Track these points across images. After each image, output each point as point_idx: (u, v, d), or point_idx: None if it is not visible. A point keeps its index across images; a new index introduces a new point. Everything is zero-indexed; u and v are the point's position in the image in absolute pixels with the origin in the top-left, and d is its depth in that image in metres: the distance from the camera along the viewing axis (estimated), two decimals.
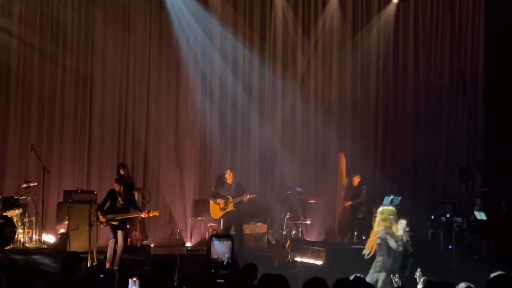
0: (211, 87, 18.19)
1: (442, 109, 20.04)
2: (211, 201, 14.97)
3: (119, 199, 13.41)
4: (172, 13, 17.74)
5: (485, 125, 20.09)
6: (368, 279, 9.91)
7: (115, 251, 13.36)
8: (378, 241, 10.40)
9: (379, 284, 10.02)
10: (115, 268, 11.86)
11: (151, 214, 13.91)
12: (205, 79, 18.15)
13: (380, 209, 10.71)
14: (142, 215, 13.75)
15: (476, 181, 19.70)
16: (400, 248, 10.27)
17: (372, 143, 19.38)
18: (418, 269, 9.30)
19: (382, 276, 10.17)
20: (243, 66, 18.53)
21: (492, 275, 5.58)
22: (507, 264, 14.77)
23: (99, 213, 13.26)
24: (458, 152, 20.12)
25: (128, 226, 14.06)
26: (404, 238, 10.25)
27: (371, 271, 10.38)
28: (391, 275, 10.17)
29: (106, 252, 13.39)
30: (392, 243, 10.27)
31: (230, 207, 14.56)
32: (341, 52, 19.24)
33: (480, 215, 17.17)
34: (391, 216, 10.47)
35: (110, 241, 13.38)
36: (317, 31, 19.14)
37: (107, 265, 13.17)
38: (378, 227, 10.52)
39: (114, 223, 13.26)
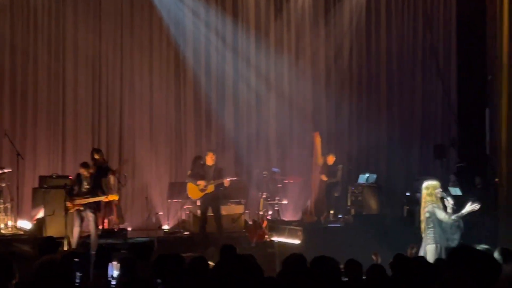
0: (185, 69, 18.14)
1: (416, 87, 20.10)
2: (190, 182, 14.88)
3: (85, 183, 13.38)
4: None
5: (458, 101, 20.20)
6: (421, 252, 10.22)
7: (81, 237, 13.34)
8: (427, 215, 10.82)
9: (428, 255, 10.25)
10: (93, 252, 11.81)
11: (110, 198, 13.89)
12: (179, 62, 18.08)
13: (425, 184, 11.10)
14: (103, 199, 13.66)
15: (450, 158, 19.84)
16: (451, 220, 10.53)
17: (347, 122, 19.42)
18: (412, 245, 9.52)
19: (431, 248, 10.54)
20: (216, 47, 18.45)
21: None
22: (483, 238, 14.91)
23: (66, 199, 13.23)
24: (433, 129, 20.24)
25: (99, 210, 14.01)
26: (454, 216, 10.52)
27: (422, 244, 10.83)
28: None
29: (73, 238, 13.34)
30: (442, 215, 10.53)
31: (210, 188, 14.49)
32: (313, 30, 19.22)
33: (455, 191, 17.30)
34: (437, 190, 10.74)
35: (74, 228, 13.32)
36: (289, 9, 19.09)
37: None
38: (425, 203, 10.92)
39: (80, 208, 13.23)
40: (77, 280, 7.05)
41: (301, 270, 5.86)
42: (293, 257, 6.00)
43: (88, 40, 17.26)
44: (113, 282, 7.85)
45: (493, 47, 16.05)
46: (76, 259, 7.03)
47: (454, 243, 10.69)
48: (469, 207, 10.68)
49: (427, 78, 20.21)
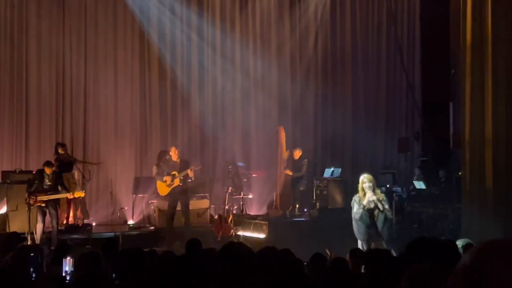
0: (150, 62, 18.07)
1: (380, 80, 20.27)
2: (157, 180, 14.79)
3: (46, 180, 13.29)
4: None
5: (422, 95, 20.38)
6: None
7: (44, 232, 13.26)
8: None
9: None
10: (52, 248, 11.71)
11: (76, 195, 13.82)
12: (144, 55, 18.01)
13: (361, 177, 10.98)
14: (68, 196, 13.57)
15: (414, 151, 20.01)
16: (358, 215, 10.50)
17: (312, 116, 19.50)
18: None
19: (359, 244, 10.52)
20: (181, 40, 18.40)
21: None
22: (446, 231, 15.07)
23: (26, 195, 13.13)
24: (397, 122, 20.41)
25: (58, 206, 13.92)
26: (380, 206, 10.49)
27: None
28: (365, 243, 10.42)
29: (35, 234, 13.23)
30: (355, 207, 10.56)
31: (176, 182, 14.42)
32: (279, 25, 19.27)
33: (419, 184, 17.48)
34: (365, 184, 10.71)
35: (37, 224, 13.22)
36: (254, 4, 19.11)
37: None
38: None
39: (41, 204, 13.14)
40: (33, 275, 6.98)
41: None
42: (266, 250, 5.97)
43: (51, 33, 17.09)
44: (68, 277, 7.78)
45: (456, 41, 16.21)
46: (31, 254, 6.95)
47: (382, 238, 10.66)
48: (367, 198, 10.71)
49: (392, 71, 20.39)
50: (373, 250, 6.08)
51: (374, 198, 10.71)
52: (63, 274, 7.59)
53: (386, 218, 10.72)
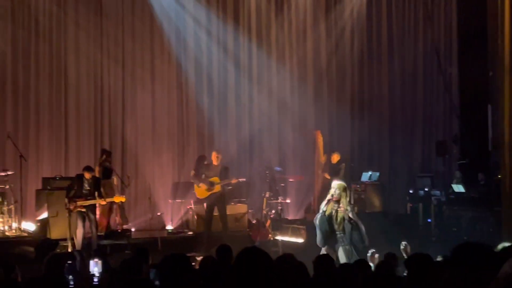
0: (187, 68, 18.15)
1: (417, 83, 20.14)
2: (195, 184, 14.84)
3: (86, 185, 13.39)
4: None
5: (460, 98, 20.20)
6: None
7: (85, 238, 13.39)
8: None
9: None
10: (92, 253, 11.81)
11: (116, 200, 13.96)
12: (181, 60, 18.09)
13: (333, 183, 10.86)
14: (101, 202, 13.64)
15: (452, 154, 19.84)
16: (317, 220, 10.40)
17: (349, 120, 19.43)
18: (403, 242, 9.36)
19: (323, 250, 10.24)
20: (218, 47, 18.48)
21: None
22: (485, 235, 14.93)
23: (66, 200, 13.26)
24: (435, 125, 20.27)
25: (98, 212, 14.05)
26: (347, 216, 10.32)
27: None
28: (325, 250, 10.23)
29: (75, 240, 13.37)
30: (316, 217, 10.48)
31: (217, 188, 14.47)
32: (315, 30, 19.26)
33: (458, 188, 17.33)
34: (332, 190, 10.55)
35: (78, 230, 13.35)
36: (290, 10, 19.12)
37: None
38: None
39: (81, 209, 13.26)
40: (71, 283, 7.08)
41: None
42: (284, 258, 5.96)
43: (89, 40, 17.25)
44: (95, 279, 7.87)
45: (494, 43, 16.05)
46: (68, 261, 7.04)
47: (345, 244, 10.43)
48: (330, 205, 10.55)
49: (429, 74, 20.24)
50: (415, 255, 6.04)
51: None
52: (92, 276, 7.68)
53: (353, 229, 10.50)
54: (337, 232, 10.30)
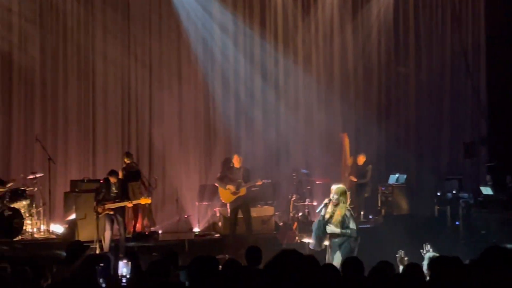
0: (214, 71, 18.20)
1: (445, 85, 20.00)
2: (219, 186, 14.87)
3: (113, 188, 13.46)
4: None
5: (488, 99, 20.04)
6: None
7: (113, 240, 13.46)
8: None
9: None
10: (120, 255, 11.88)
11: (142, 202, 14.01)
12: (208, 64, 18.14)
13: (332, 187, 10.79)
14: (128, 204, 13.69)
15: (480, 156, 19.68)
16: (315, 227, 10.33)
17: (376, 122, 19.34)
18: (426, 244, 9.27)
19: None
20: (244, 51, 18.53)
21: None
22: None
23: (95, 203, 13.33)
24: (462, 127, 20.10)
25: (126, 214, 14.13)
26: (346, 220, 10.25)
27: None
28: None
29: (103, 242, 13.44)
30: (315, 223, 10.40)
31: (242, 191, 14.48)
32: (342, 31, 19.22)
33: (486, 190, 17.18)
34: (331, 194, 10.47)
35: (105, 232, 13.42)
36: (316, 13, 19.10)
37: None
38: None
39: (110, 212, 13.33)
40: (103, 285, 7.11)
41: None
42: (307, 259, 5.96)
43: (117, 45, 17.38)
44: (124, 280, 7.90)
45: None
46: (100, 263, 7.07)
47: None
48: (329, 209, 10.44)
49: (456, 76, 20.09)
50: (442, 257, 6.00)
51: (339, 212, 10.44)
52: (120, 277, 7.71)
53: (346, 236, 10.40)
54: (331, 237, 10.28)
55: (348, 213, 10.33)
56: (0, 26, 16.35)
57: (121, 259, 8.20)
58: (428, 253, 8.11)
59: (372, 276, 6.16)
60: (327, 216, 10.26)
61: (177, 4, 17.72)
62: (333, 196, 10.31)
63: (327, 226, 10.21)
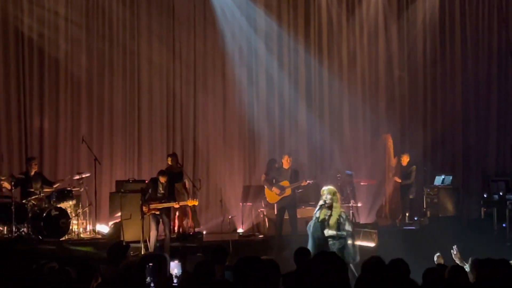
0: (257, 72, 18.23)
1: (492, 86, 19.75)
2: (266, 187, 14.87)
3: (160, 188, 13.52)
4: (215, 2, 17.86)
5: None
6: None
7: (158, 241, 13.55)
8: None
9: None
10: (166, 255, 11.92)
11: (189, 203, 14.04)
12: (251, 66, 18.19)
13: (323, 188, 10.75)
14: (175, 206, 13.73)
15: None
16: (310, 227, 10.24)
17: (421, 123, 19.21)
18: (454, 247, 9.19)
19: None
20: (288, 51, 18.54)
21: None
22: None
23: (142, 204, 13.42)
24: (509, 128, 19.82)
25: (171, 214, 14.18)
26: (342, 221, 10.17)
27: None
28: None
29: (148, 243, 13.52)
30: (309, 224, 10.31)
31: (288, 192, 14.46)
32: (387, 33, 19.12)
33: None
34: (323, 196, 10.40)
35: (151, 232, 13.50)
36: (361, 14, 19.02)
37: None
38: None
39: (156, 212, 13.40)
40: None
41: (380, 273, 5.84)
42: (372, 261, 5.96)
43: (162, 46, 17.51)
44: (175, 280, 7.93)
45: None
46: (150, 264, 7.09)
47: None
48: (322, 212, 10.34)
49: (503, 74, 19.82)
50: (489, 260, 5.94)
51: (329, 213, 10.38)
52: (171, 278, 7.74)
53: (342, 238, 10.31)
54: (329, 239, 10.20)
55: (343, 215, 10.31)
56: (47, 29, 16.54)
57: (172, 259, 8.22)
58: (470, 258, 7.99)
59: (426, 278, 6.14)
60: (321, 217, 10.25)
61: (217, 6, 17.82)
62: (326, 197, 10.29)
63: (324, 230, 10.19)
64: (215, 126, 17.86)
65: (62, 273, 6.84)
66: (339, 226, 10.14)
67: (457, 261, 8.41)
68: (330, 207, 10.23)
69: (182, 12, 17.72)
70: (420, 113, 19.26)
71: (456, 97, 19.51)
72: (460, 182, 18.51)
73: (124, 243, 8.99)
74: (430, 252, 10.15)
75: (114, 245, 8.17)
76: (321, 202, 10.34)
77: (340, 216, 10.21)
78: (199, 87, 17.81)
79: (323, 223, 10.20)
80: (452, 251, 8.81)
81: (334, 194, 10.34)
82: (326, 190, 10.41)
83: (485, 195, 17.54)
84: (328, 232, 10.10)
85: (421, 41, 19.33)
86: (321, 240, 10.16)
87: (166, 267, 7.21)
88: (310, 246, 10.09)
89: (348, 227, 10.20)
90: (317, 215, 10.29)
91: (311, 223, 10.35)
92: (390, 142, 16.18)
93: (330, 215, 10.20)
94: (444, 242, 12.63)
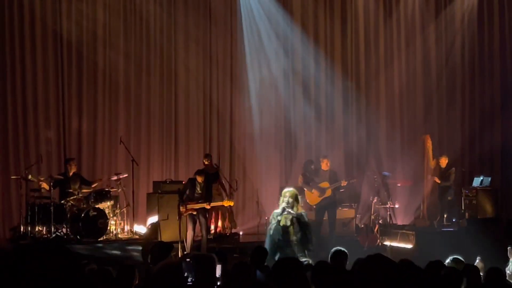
0: (294, 74, 18.23)
1: None
2: (305, 189, 14.84)
3: (198, 188, 13.57)
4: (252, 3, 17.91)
5: None
6: None
7: (195, 241, 13.59)
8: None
9: None
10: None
11: (226, 204, 14.04)
12: (288, 67, 18.18)
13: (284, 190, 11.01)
14: (207, 206, 13.72)
15: None
16: (271, 231, 10.26)
17: (459, 124, 19.05)
18: (478, 258, 9.15)
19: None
20: (325, 51, 18.51)
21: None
22: None
23: (179, 203, 13.47)
24: None
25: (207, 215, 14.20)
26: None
27: None
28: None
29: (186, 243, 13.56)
30: (271, 223, 10.30)
31: (328, 193, 14.45)
32: (424, 33, 19.00)
33: None
34: (282, 198, 10.42)
35: (188, 232, 13.55)
36: (398, 13, 18.92)
37: None
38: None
39: (193, 212, 13.44)
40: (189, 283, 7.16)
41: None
42: (404, 264, 5.92)
43: (198, 49, 17.60)
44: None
45: None
46: (188, 259, 7.14)
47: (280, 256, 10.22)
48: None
49: None
50: None
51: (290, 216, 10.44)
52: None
53: (302, 238, 10.34)
54: (291, 240, 10.26)
55: (304, 213, 10.62)
56: (86, 32, 16.67)
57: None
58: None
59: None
60: (283, 222, 10.34)
61: (255, 10, 17.89)
62: (288, 200, 10.43)
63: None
64: (252, 127, 17.87)
65: (104, 273, 6.91)
66: (295, 230, 10.34)
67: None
68: (291, 209, 10.54)
69: (219, 14, 17.78)
70: (458, 114, 19.09)
71: (494, 97, 19.31)
72: (499, 183, 18.30)
73: (167, 244, 9.03)
74: (468, 254, 10.07)
75: (157, 245, 8.22)
76: (283, 205, 10.48)
77: (295, 219, 10.64)
78: (235, 88, 17.85)
79: (285, 227, 10.35)
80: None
81: (295, 197, 10.48)
82: (288, 192, 10.57)
83: None
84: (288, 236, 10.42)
85: (459, 41, 19.17)
86: (281, 242, 10.45)
87: (214, 268, 7.21)
88: (268, 248, 10.24)
89: (306, 220, 10.73)
90: (279, 218, 10.42)
91: (272, 226, 10.47)
92: (429, 143, 16.03)
93: (292, 219, 10.43)
94: (483, 244, 12.55)
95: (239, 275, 6.40)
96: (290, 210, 10.67)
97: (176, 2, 17.48)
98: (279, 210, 10.74)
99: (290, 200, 10.51)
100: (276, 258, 10.00)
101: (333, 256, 7.76)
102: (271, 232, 10.55)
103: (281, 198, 10.89)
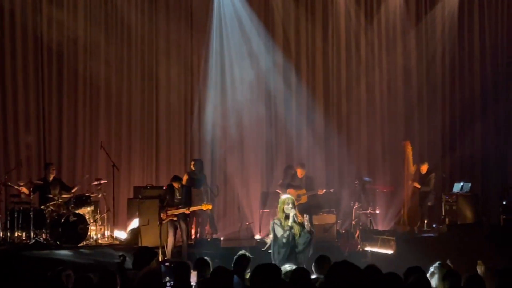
0: (275, 80, 18.22)
1: (510, 93, 19.61)
2: (281, 193, 14.81)
3: (177, 194, 13.55)
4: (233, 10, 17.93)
5: None
6: None
7: (175, 246, 13.58)
8: (270, 230, 10.83)
9: None
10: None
11: (204, 207, 14.02)
12: (270, 72, 18.18)
13: (282, 197, 11.05)
14: (186, 211, 13.68)
15: None
16: (285, 239, 10.27)
17: (439, 131, 19.13)
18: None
19: None
20: (306, 57, 18.55)
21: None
22: None
23: (160, 210, 13.43)
24: None
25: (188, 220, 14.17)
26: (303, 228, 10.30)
27: None
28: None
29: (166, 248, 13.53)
30: (278, 232, 10.31)
31: (304, 199, 14.50)
32: (405, 39, 19.08)
33: None
34: (285, 205, 10.47)
35: (168, 238, 13.52)
36: (379, 19, 19.00)
37: None
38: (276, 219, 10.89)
39: (173, 218, 13.41)
40: None
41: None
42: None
43: (179, 54, 17.58)
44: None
45: None
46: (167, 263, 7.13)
47: (299, 261, 10.32)
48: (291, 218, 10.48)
49: None
50: (509, 268, 5.90)
51: (304, 220, 10.59)
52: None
53: (308, 240, 10.43)
54: (299, 248, 10.35)
55: (304, 227, 10.75)
56: (66, 38, 16.61)
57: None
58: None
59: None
60: (295, 230, 10.46)
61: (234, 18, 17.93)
62: (287, 207, 10.55)
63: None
64: (233, 132, 17.84)
65: (84, 280, 6.86)
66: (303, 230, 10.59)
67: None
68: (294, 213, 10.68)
69: (200, 19, 17.77)
70: (438, 121, 19.16)
71: (475, 105, 19.41)
72: (479, 189, 18.38)
73: (150, 249, 9.01)
74: (448, 259, 10.09)
75: (140, 250, 8.17)
76: (292, 213, 10.51)
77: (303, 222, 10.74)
78: (217, 93, 17.81)
79: (294, 235, 10.51)
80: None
81: (293, 203, 10.55)
82: (290, 199, 10.59)
83: (504, 203, 17.39)
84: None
85: (440, 47, 19.26)
86: (293, 250, 10.54)
87: (189, 275, 7.20)
88: (281, 257, 10.43)
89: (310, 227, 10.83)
90: (290, 225, 10.52)
91: (285, 234, 10.48)
92: (409, 149, 16.06)
93: (298, 226, 10.62)
94: (463, 250, 12.61)
95: (216, 281, 6.39)
96: (296, 218, 10.70)
97: (157, 8, 17.46)
98: (290, 219, 10.72)
99: (291, 206, 10.56)
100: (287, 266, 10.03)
101: (317, 262, 7.77)
102: (284, 240, 10.54)
103: (284, 206, 10.82)
